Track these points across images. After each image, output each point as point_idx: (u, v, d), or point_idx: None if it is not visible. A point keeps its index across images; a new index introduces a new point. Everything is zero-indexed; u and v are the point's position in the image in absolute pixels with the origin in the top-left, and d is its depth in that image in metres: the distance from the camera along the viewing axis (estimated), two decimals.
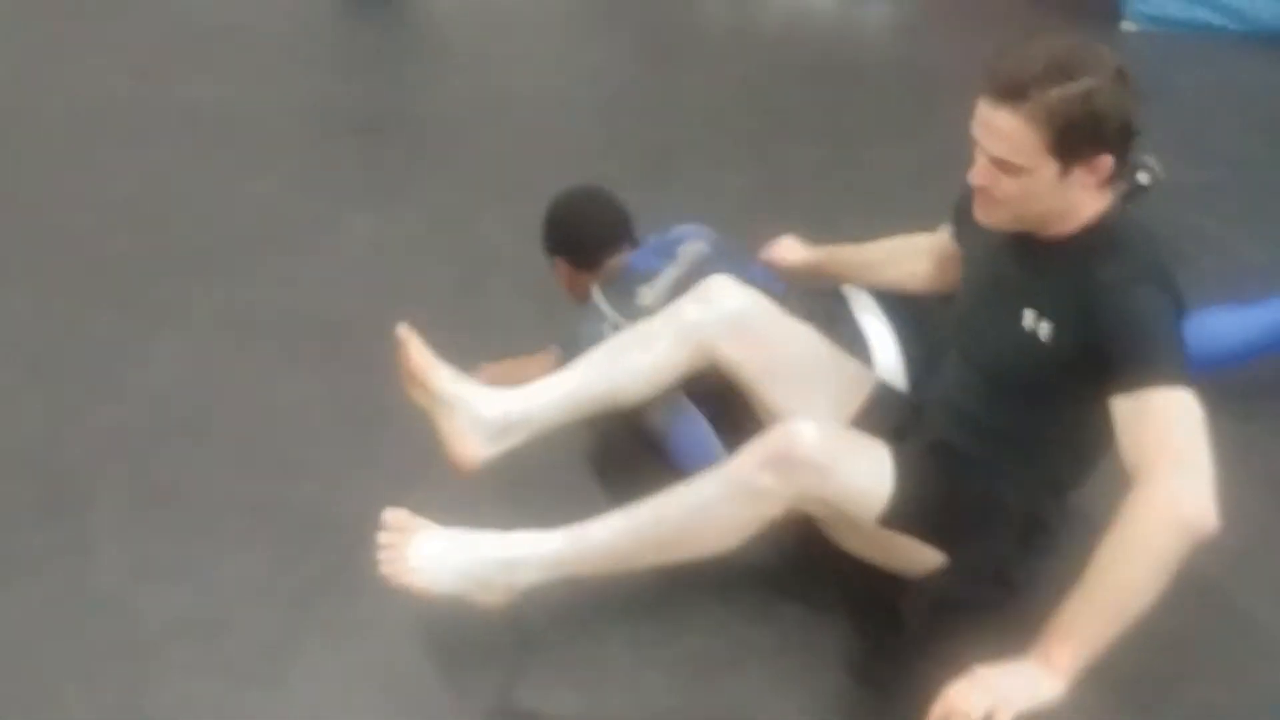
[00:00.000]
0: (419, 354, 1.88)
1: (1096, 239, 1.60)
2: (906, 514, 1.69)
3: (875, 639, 1.84)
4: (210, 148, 3.50)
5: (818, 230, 2.25)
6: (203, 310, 2.68)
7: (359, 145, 3.55)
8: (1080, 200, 1.59)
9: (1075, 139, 1.52)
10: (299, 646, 1.82)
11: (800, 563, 1.95)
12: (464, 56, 4.36)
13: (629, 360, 1.95)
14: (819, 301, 2.14)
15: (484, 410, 1.91)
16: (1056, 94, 1.49)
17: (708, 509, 1.69)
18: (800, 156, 3.41)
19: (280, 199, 3.19)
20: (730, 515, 1.68)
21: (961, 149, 1.62)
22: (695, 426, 2.07)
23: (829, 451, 1.65)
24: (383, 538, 1.74)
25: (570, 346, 2.10)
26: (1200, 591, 1.64)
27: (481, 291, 2.76)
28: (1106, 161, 1.55)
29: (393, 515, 1.75)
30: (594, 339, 2.03)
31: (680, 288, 2.07)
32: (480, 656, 1.82)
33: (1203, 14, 4.08)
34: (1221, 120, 3.60)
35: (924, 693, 1.39)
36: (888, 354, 2.10)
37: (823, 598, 1.91)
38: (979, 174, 1.60)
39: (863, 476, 1.68)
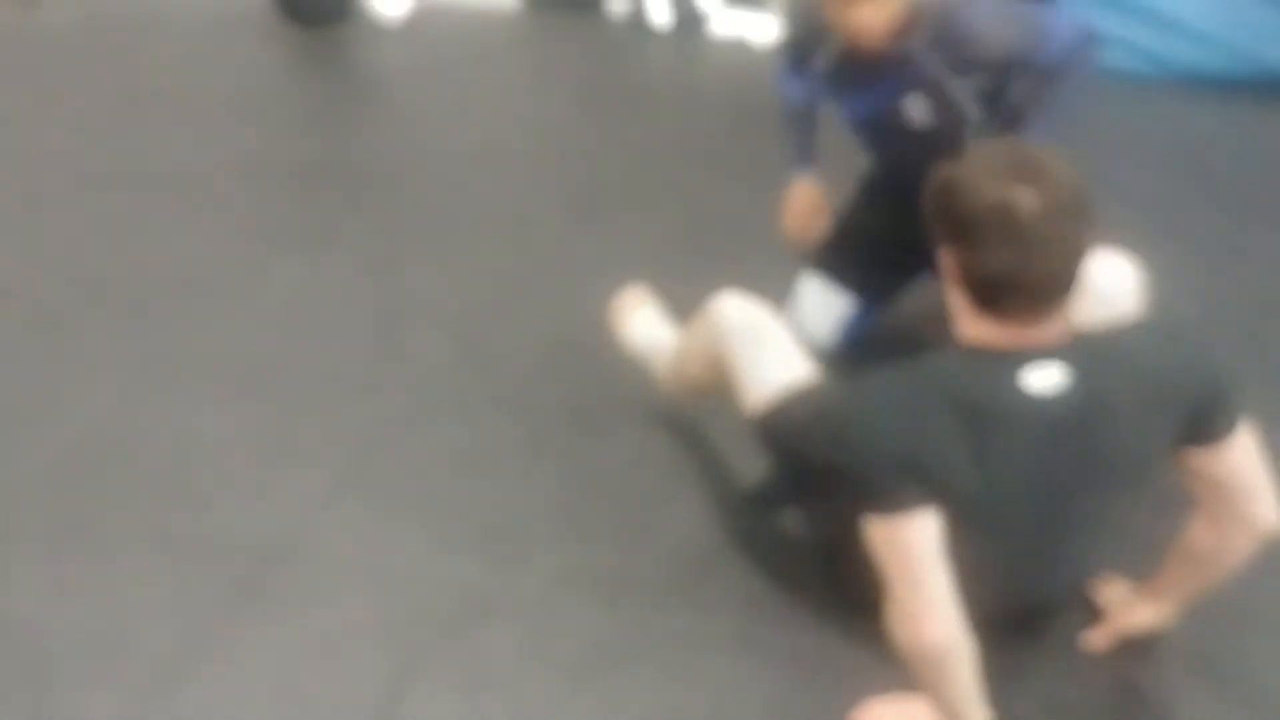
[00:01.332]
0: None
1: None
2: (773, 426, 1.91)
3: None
4: (149, 201, 3.60)
5: (727, 265, 2.36)
6: (130, 353, 2.77)
7: (293, 195, 3.65)
8: None
9: None
10: (196, 665, 1.89)
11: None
12: (403, 110, 4.49)
13: None
14: None
15: None
16: None
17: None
18: (721, 199, 3.52)
19: (212, 248, 3.28)
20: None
21: None
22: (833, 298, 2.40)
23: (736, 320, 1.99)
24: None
25: None
26: None
27: (400, 334, 2.85)
28: None
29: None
30: None
31: None
32: (368, 673, 1.89)
33: (1132, 62, 4.22)
34: (1132, 160, 3.73)
35: None
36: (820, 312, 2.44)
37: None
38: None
39: (756, 365, 1.93)
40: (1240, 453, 1.58)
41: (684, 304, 2.85)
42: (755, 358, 1.94)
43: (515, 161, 3.89)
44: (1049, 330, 1.47)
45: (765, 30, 4.78)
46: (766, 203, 2.70)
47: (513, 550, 2.13)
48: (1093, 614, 1.93)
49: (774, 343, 1.96)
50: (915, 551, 1.50)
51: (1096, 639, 1.89)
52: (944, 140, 2.11)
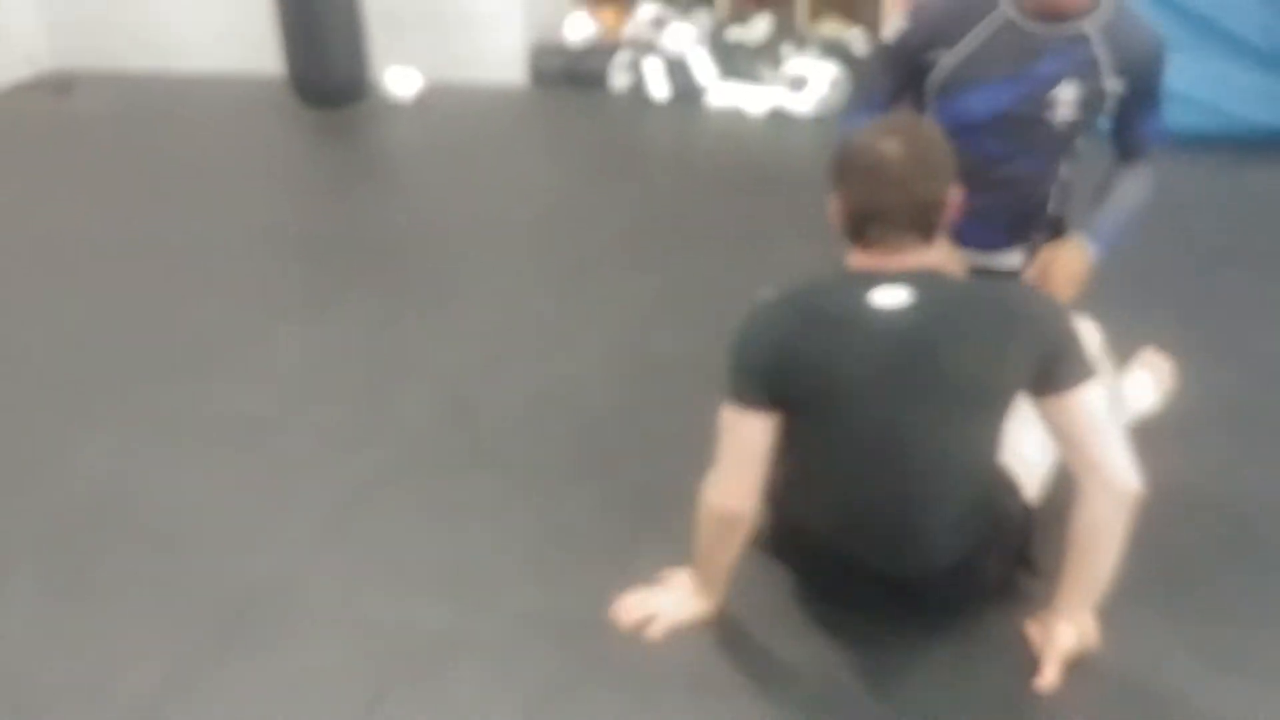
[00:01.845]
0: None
1: None
2: None
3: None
4: (164, 273, 3.79)
5: (712, 321, 2.43)
6: (132, 414, 2.92)
7: (299, 265, 3.83)
8: None
9: None
10: (179, 704, 2.00)
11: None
12: (411, 183, 4.69)
13: None
14: None
15: None
16: None
17: None
18: (706, 262, 3.66)
19: (218, 316, 3.45)
20: None
21: None
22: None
23: None
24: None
25: None
26: None
27: (390, 393, 2.98)
28: None
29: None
30: None
31: None
32: (342, 708, 1.99)
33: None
34: (1173, 215, 3.78)
35: None
36: None
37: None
38: None
39: None
40: (1087, 407, 1.79)
41: (667, 360, 2.99)
42: None
43: (514, 229, 4.06)
44: (904, 260, 1.79)
45: (758, 101, 4.95)
46: (749, 264, 2.81)
47: (481, 595, 2.24)
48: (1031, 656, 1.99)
49: None
50: (747, 441, 1.87)
51: (1043, 679, 1.94)
52: (1070, 141, 2.25)
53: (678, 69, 5.18)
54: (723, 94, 5.08)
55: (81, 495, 2.60)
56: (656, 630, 2.07)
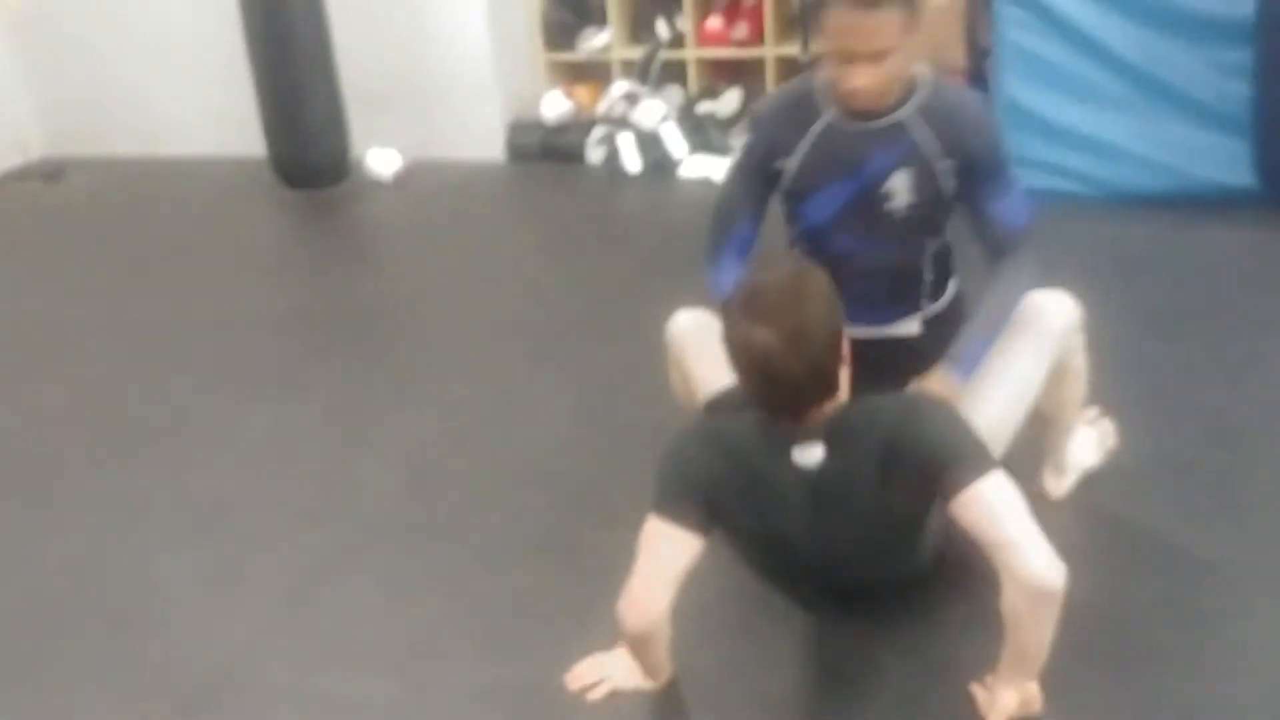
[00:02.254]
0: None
1: None
2: None
3: None
4: (137, 355, 3.86)
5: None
6: (102, 496, 2.98)
7: (273, 343, 3.90)
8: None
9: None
10: None
11: None
12: (388, 261, 4.78)
13: None
14: None
15: None
16: None
17: None
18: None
19: (190, 396, 3.52)
20: None
21: None
22: None
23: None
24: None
25: None
26: None
27: (354, 469, 3.03)
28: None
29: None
30: None
31: None
32: None
33: (1063, 184, 4.42)
34: (1062, 274, 3.87)
35: None
36: None
37: None
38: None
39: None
40: (985, 504, 1.80)
41: (632, 428, 3.02)
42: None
43: (486, 302, 4.12)
44: (815, 416, 1.87)
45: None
46: None
47: (434, 668, 2.27)
48: None
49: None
50: (666, 560, 1.91)
51: None
52: (916, 228, 2.25)
53: (650, 143, 5.28)
54: (694, 166, 5.18)
55: (45, 579, 2.65)
56: (600, 694, 2.10)
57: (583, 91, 5.78)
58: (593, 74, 5.88)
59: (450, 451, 3.07)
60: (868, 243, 2.29)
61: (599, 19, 5.77)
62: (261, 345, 3.90)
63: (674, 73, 5.71)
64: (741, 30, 5.54)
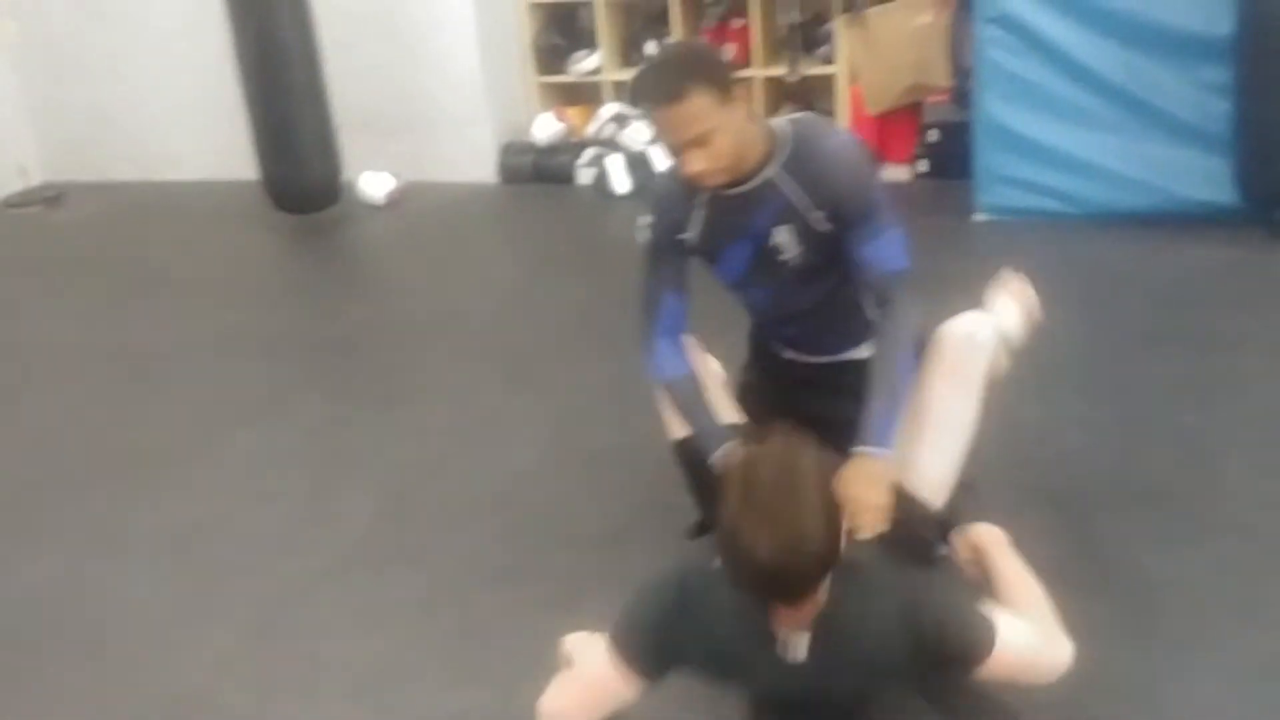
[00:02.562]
0: None
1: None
2: None
3: None
4: (125, 378, 3.92)
5: (653, 414, 2.46)
6: (77, 523, 3.03)
7: (259, 366, 3.94)
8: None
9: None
10: None
11: None
12: (375, 280, 4.84)
13: None
14: None
15: None
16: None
17: None
18: None
19: (173, 421, 3.56)
20: None
21: None
22: None
23: None
24: None
25: None
26: None
27: (330, 495, 3.06)
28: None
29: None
30: None
31: None
32: None
33: (1046, 202, 4.44)
34: (1086, 291, 3.86)
35: None
36: None
37: None
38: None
39: None
40: (1004, 666, 1.79)
41: (608, 453, 3.04)
42: None
43: (472, 324, 4.17)
44: (803, 609, 1.71)
45: None
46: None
47: (396, 696, 2.28)
48: None
49: None
50: (604, 692, 1.82)
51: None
52: (820, 273, 2.23)
53: (639, 163, 5.31)
54: None
55: (18, 605, 2.68)
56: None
57: (574, 113, 5.82)
58: (584, 96, 5.92)
59: (424, 477, 3.10)
60: (780, 292, 2.32)
61: (589, 42, 5.82)
62: (248, 368, 3.94)
63: None
64: (729, 52, 5.56)
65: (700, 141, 2.03)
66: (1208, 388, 3.14)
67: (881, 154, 5.40)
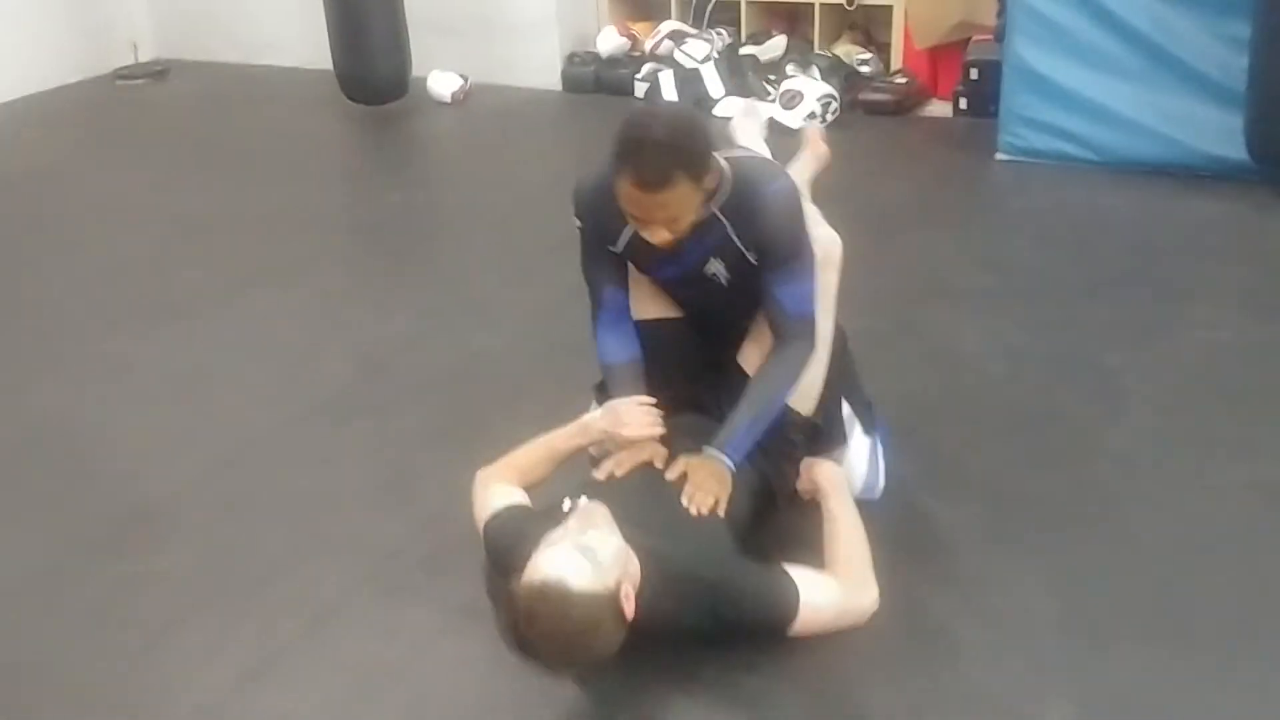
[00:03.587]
0: None
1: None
2: None
3: None
4: (182, 240, 4.35)
5: None
6: (96, 357, 3.45)
7: (299, 238, 4.30)
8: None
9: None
10: (40, 602, 2.44)
11: None
12: (423, 173, 5.18)
13: None
14: None
15: None
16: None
17: None
18: None
19: (204, 279, 3.96)
20: None
21: None
22: None
23: None
24: None
25: None
26: None
27: (322, 357, 3.40)
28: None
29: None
30: None
31: None
32: None
33: (1064, 147, 4.50)
34: (1074, 234, 4.01)
35: None
36: None
37: None
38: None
39: None
40: (807, 625, 2.11)
41: (567, 343, 3.26)
42: None
43: (492, 220, 4.45)
44: None
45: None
46: None
47: (332, 524, 2.62)
48: None
49: None
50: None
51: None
52: (747, 293, 2.34)
53: (691, 80, 5.49)
54: (729, 106, 5.37)
55: (23, 420, 3.11)
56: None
57: (639, 29, 6.00)
58: (650, 12, 6.09)
59: (402, 349, 3.41)
60: (710, 302, 2.43)
61: None
62: (284, 239, 4.31)
63: (729, 16, 5.90)
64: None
65: (669, 221, 2.10)
66: (1144, 330, 3.26)
67: (929, 89, 5.49)
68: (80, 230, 4.49)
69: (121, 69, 6.77)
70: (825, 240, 2.48)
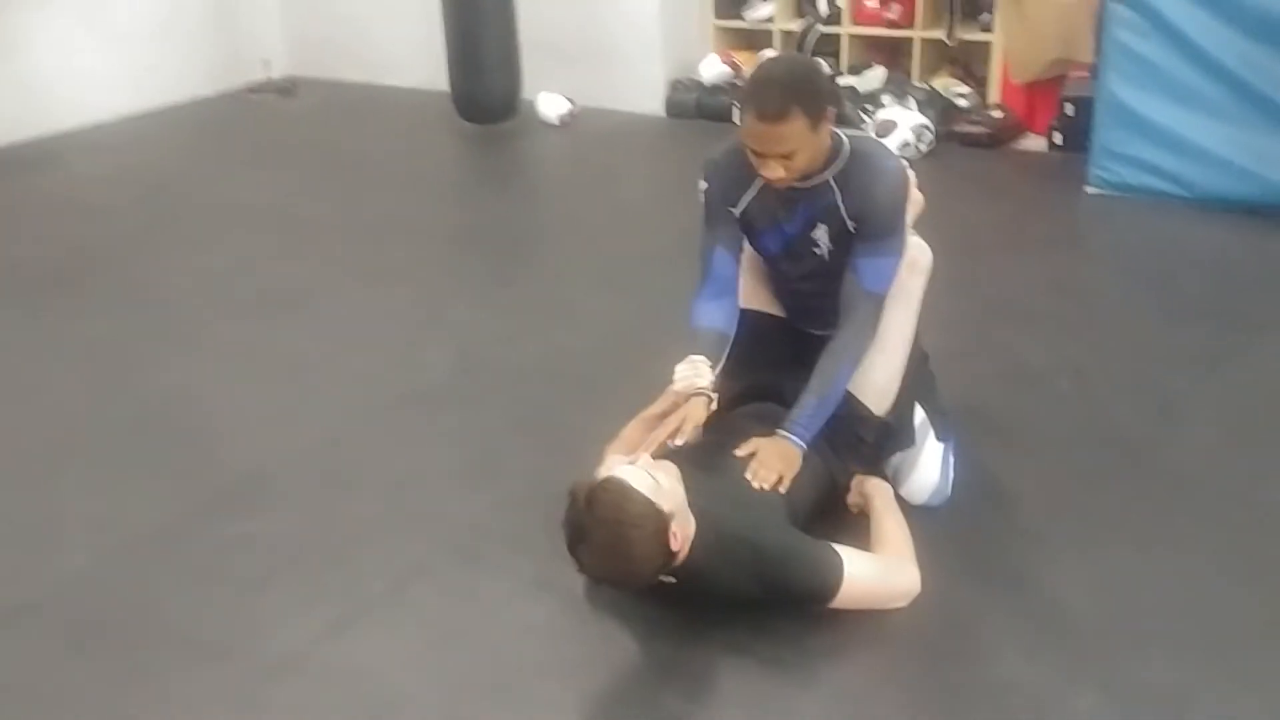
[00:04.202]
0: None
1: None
2: None
3: None
4: (294, 241, 4.65)
5: None
6: (212, 343, 3.73)
7: (399, 242, 4.58)
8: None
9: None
10: (166, 550, 2.70)
11: None
12: (526, 188, 5.44)
13: None
14: None
15: None
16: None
17: None
18: None
19: (316, 275, 4.24)
20: None
21: None
22: None
23: None
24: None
25: None
26: None
27: (425, 350, 3.64)
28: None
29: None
30: None
31: None
32: None
33: (1154, 182, 4.55)
34: (1154, 265, 4.08)
35: None
36: None
37: None
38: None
39: None
40: (849, 597, 2.25)
41: (651, 343, 3.42)
42: None
43: (587, 233, 4.67)
44: None
45: None
46: None
47: (418, 498, 2.83)
48: None
49: None
50: None
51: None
52: (841, 266, 2.49)
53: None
54: None
55: (148, 398, 3.39)
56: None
57: (741, 58, 6.19)
58: (754, 42, 6.28)
59: (498, 345, 3.63)
60: (805, 273, 2.62)
61: None
62: (390, 242, 4.59)
63: (831, 48, 6.05)
64: (894, 12, 5.82)
65: (785, 156, 2.29)
66: (1212, 358, 3.31)
67: (1025, 123, 5.57)
68: (207, 229, 4.82)
69: (254, 84, 7.19)
70: (916, 246, 2.64)
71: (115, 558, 2.64)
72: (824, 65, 2.42)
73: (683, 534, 2.15)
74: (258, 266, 4.38)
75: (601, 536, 2.07)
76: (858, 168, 2.44)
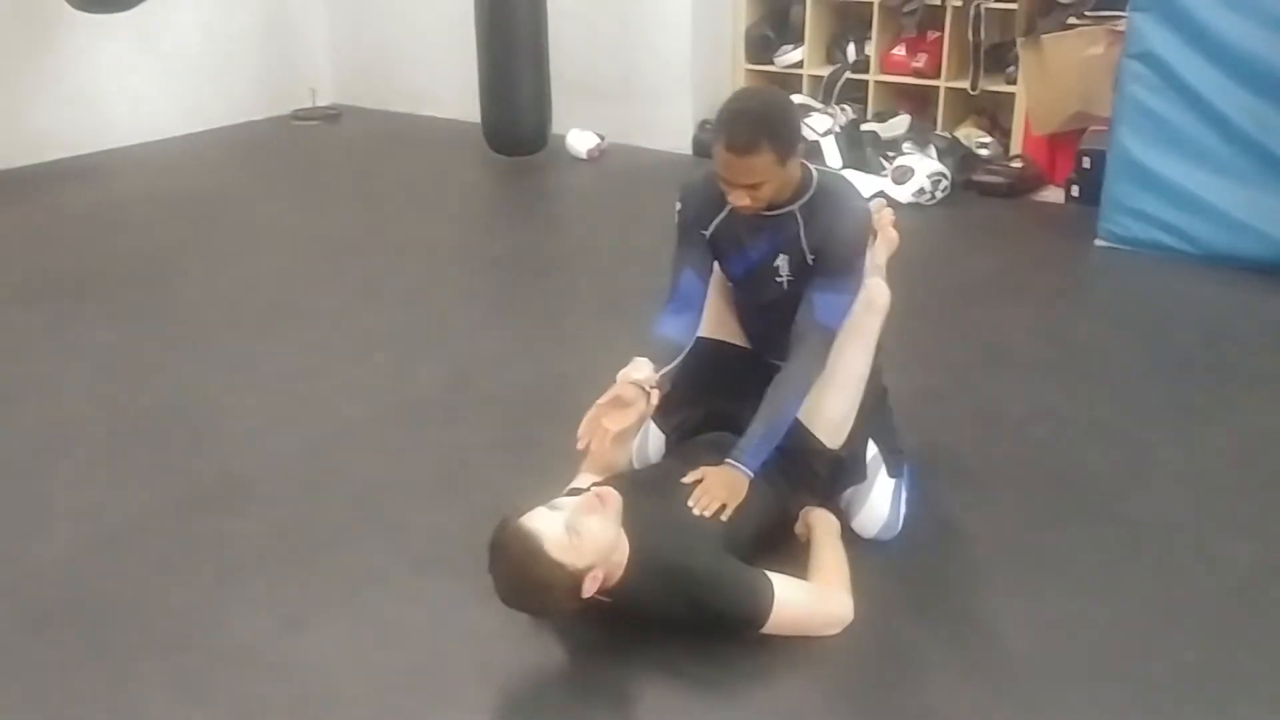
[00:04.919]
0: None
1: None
2: None
3: None
4: (317, 260, 4.79)
5: None
6: (224, 353, 3.85)
7: (416, 266, 4.70)
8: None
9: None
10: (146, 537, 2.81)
11: None
12: (549, 219, 5.56)
13: None
14: None
15: None
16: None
17: None
18: None
19: (330, 294, 4.38)
20: None
21: None
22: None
23: None
24: None
25: None
26: None
27: (418, 366, 3.74)
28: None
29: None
30: None
31: None
32: None
33: (1162, 237, 4.55)
34: (1149, 319, 4.09)
35: None
36: None
37: None
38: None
39: None
40: (781, 623, 2.29)
41: None
42: None
43: (598, 264, 4.75)
44: None
45: (866, 187, 5.42)
46: None
47: (393, 510, 2.92)
48: None
49: None
50: None
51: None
52: (799, 299, 2.56)
53: (809, 154, 5.71)
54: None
55: (152, 401, 3.52)
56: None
57: None
58: (784, 86, 6.34)
59: (489, 366, 3.72)
60: (766, 302, 2.69)
61: (796, 38, 6.27)
62: (407, 265, 4.70)
63: (858, 94, 6.13)
64: (921, 61, 5.89)
65: (751, 187, 2.40)
66: (1192, 412, 3.32)
67: (1046, 175, 5.59)
68: (234, 246, 4.98)
69: (299, 110, 7.40)
70: (875, 287, 2.70)
71: (91, 548, 2.75)
72: (790, 103, 2.50)
73: (606, 574, 2.22)
74: (273, 282, 4.52)
75: (507, 585, 2.19)
76: (823, 203, 2.52)
